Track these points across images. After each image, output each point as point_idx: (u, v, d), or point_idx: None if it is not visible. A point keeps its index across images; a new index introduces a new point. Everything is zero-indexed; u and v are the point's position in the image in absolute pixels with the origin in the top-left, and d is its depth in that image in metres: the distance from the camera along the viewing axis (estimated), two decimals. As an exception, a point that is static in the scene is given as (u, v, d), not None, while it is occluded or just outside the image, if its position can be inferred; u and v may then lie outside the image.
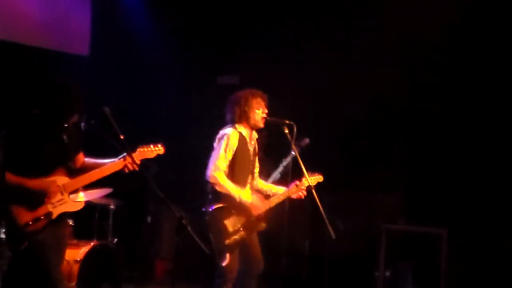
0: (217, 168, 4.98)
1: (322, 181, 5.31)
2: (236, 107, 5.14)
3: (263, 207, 5.11)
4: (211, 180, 4.98)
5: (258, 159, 5.35)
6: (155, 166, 6.75)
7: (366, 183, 7.55)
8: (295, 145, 5.25)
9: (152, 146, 4.68)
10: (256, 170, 5.34)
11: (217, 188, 4.97)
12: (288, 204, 5.19)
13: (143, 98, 8.34)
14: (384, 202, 7.61)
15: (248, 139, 5.19)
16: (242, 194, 4.99)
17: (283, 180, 5.38)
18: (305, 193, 5.24)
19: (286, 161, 6.04)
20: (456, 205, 7.09)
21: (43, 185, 4.23)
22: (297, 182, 5.22)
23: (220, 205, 5.01)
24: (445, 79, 7.26)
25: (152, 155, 4.68)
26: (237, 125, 5.14)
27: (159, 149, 4.71)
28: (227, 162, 5.02)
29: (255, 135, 5.28)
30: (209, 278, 5.22)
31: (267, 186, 5.39)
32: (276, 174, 6.22)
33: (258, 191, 5.28)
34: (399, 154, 7.55)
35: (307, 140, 5.96)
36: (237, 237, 4.95)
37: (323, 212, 4.99)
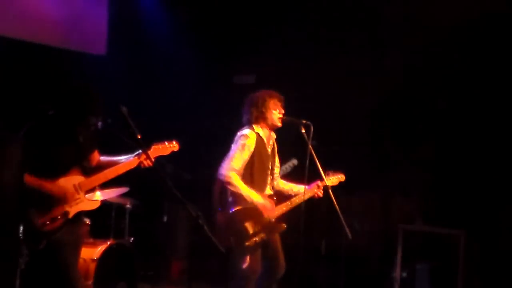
0: (231, 168, 5.00)
1: (344, 180, 5.35)
2: (253, 108, 5.18)
3: (279, 210, 5.13)
4: (224, 179, 5.00)
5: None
6: (171, 166, 6.79)
7: (383, 183, 7.54)
8: (284, 166, 5.40)
9: (166, 143, 4.71)
10: (277, 170, 5.36)
11: (230, 187, 4.99)
12: (305, 203, 5.21)
13: (159, 96, 8.35)
14: (401, 202, 7.60)
15: (265, 140, 5.22)
16: (254, 195, 4.99)
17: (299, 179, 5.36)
18: (322, 192, 5.25)
19: (290, 162, 6.04)
20: (474, 206, 7.04)
21: (61, 190, 4.28)
22: (319, 182, 5.24)
23: (240, 207, 5.03)
24: (470, 77, 7.20)
25: (166, 152, 4.73)
26: (254, 126, 5.17)
27: (174, 146, 4.76)
28: (243, 163, 5.04)
29: (273, 135, 5.30)
30: (224, 278, 5.28)
31: (288, 185, 5.39)
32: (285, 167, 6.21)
33: (279, 191, 5.31)
34: (417, 154, 7.51)
35: (295, 161, 5.97)
36: (257, 239, 4.97)
37: (339, 212, 5.02)
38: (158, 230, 7.81)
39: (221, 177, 5.01)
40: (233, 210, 5.03)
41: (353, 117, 7.64)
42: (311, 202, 5.30)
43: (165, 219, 7.69)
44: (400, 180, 7.50)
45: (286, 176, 5.57)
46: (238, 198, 5.01)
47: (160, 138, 4.77)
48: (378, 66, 7.59)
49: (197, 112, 8.48)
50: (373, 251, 7.48)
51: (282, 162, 5.54)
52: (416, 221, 7.27)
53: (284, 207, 5.19)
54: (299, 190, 5.29)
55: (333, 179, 5.31)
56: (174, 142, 4.75)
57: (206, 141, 8.02)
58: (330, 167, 5.32)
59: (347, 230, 5.01)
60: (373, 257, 7.49)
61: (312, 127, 5.08)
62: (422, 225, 7.20)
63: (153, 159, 4.32)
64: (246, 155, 5.05)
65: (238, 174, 5.00)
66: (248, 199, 4.98)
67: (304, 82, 7.88)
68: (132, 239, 6.56)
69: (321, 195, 5.26)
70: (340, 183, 5.40)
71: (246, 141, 5.07)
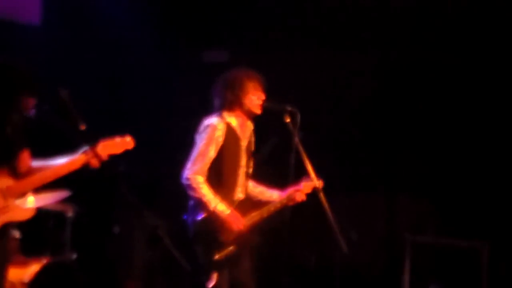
0: (192, 169, 5.06)
1: (323, 185, 5.31)
2: (227, 91, 5.20)
3: (249, 220, 5.14)
4: (185, 182, 5.06)
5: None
6: (124, 165, 6.74)
7: (386, 183, 7.64)
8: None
9: (118, 138, 4.63)
10: (251, 169, 5.41)
11: (190, 192, 5.04)
12: (290, 208, 5.25)
13: (109, 79, 8.34)
14: (409, 207, 7.66)
15: (239, 131, 5.24)
16: (216, 203, 5.02)
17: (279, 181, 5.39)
18: (304, 195, 5.31)
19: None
20: (499, 212, 7.14)
21: None
22: (298, 187, 5.29)
23: (208, 214, 5.06)
24: (484, 73, 7.44)
25: (118, 150, 4.62)
26: (225, 114, 5.19)
27: (128, 143, 4.66)
28: (208, 160, 5.08)
29: (250, 126, 5.34)
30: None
31: (257, 189, 5.45)
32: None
33: (249, 195, 5.36)
34: (428, 149, 7.60)
35: (275, 140, 5.97)
36: (228, 251, 5.03)
37: (332, 220, 5.03)
38: (107, 244, 7.78)
39: (181, 180, 5.09)
40: (201, 217, 5.06)
41: (349, 104, 7.75)
42: (297, 207, 5.31)
43: (116, 230, 7.68)
44: (407, 180, 7.57)
45: (268, 163, 5.63)
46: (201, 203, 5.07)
47: (111, 132, 4.67)
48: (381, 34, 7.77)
49: (156, 97, 8.46)
50: (374, 268, 7.55)
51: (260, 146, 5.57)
52: (428, 230, 7.33)
53: (256, 217, 5.20)
54: (271, 196, 5.37)
55: (307, 185, 5.31)
56: (128, 138, 4.66)
57: (169, 133, 8.01)
58: (317, 165, 5.30)
59: (342, 241, 5.03)
60: (374, 276, 7.56)
61: (299, 115, 5.12)
62: (435, 235, 7.25)
63: (103, 158, 4.33)
64: (212, 151, 5.09)
65: (201, 175, 5.06)
66: (207, 206, 5.00)
67: (289, 62, 7.92)
68: (74, 255, 6.52)
69: (301, 200, 5.30)
70: (333, 183, 5.44)
71: (212, 132, 5.10)
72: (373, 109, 7.83)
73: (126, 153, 4.67)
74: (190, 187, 5.03)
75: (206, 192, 5.02)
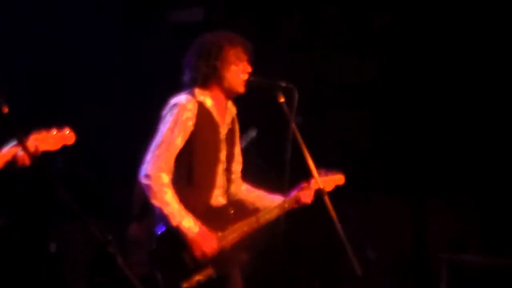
0: (157, 163, 5.03)
1: (343, 184, 5.39)
2: (201, 60, 5.17)
3: (232, 233, 5.15)
4: (143, 182, 5.02)
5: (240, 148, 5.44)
6: (62, 162, 6.74)
7: (414, 188, 7.67)
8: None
9: (55, 131, 4.59)
10: (236, 167, 5.44)
11: (149, 196, 4.99)
12: (286, 218, 5.20)
13: (46, 50, 8.25)
14: (443, 216, 7.72)
15: (215, 115, 5.22)
16: (185, 218, 4.97)
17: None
18: (311, 198, 5.31)
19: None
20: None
21: None
22: (303, 186, 5.31)
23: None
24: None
25: (55, 145, 4.60)
26: (197, 91, 5.17)
27: (67, 136, 4.64)
28: (175, 151, 5.07)
29: (231, 109, 5.36)
30: None
31: (253, 194, 5.48)
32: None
33: (239, 202, 5.41)
34: (467, 146, 7.68)
35: (253, 133, 6.01)
36: (201, 277, 4.98)
37: (342, 234, 5.01)
38: (41, 265, 7.72)
39: (140, 180, 5.05)
40: (162, 231, 5.03)
41: (357, 81, 7.89)
42: (296, 216, 5.31)
43: (52, 248, 7.66)
44: (440, 183, 7.62)
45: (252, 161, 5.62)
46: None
47: (45, 119, 4.64)
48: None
49: (110, 71, 8.43)
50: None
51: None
52: (469, 247, 7.37)
53: (242, 230, 5.19)
54: (271, 202, 5.35)
55: (327, 182, 5.34)
56: (66, 130, 4.62)
57: (125, 118, 8.04)
58: (327, 162, 5.31)
59: (355, 262, 5.00)
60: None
61: (296, 94, 5.08)
62: (478, 253, 7.31)
63: (35, 153, 4.33)
64: (179, 139, 5.06)
65: (166, 172, 5.03)
66: (169, 221, 4.95)
67: (285, 25, 7.97)
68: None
69: (309, 201, 5.31)
70: (338, 187, 5.43)
71: (179, 114, 5.06)
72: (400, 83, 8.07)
73: (66, 148, 4.64)
74: (149, 189, 4.98)
75: (169, 200, 4.97)
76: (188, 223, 4.95)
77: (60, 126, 4.65)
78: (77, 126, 4.70)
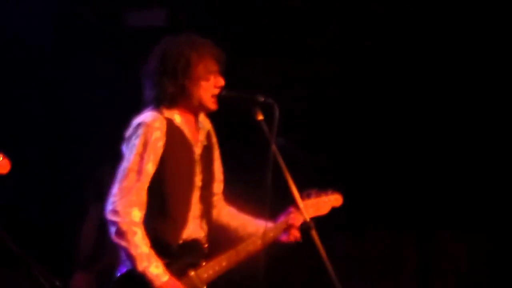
0: (125, 198, 4.80)
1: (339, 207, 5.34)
2: (166, 79, 4.99)
3: (207, 271, 4.97)
4: (110, 218, 4.79)
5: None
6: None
7: (418, 215, 7.70)
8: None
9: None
10: (218, 187, 5.29)
11: (116, 238, 4.77)
12: (267, 254, 4.99)
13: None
14: (449, 251, 7.66)
15: (187, 132, 5.04)
16: (154, 264, 4.76)
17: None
18: (298, 234, 5.15)
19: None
20: None
21: None
22: (290, 211, 5.15)
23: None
24: None
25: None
26: (163, 108, 4.97)
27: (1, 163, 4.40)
28: (147, 180, 4.84)
29: (205, 123, 5.19)
30: None
31: (236, 222, 5.32)
32: None
33: (221, 228, 5.28)
34: (478, 165, 7.73)
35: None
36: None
37: (333, 274, 4.72)
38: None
39: (106, 216, 4.85)
40: (123, 272, 4.85)
41: (355, 95, 8.05)
42: (279, 251, 5.19)
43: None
44: (449, 210, 7.57)
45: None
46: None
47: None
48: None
49: (56, 85, 8.35)
50: None
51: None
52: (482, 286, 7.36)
53: (219, 265, 5.02)
54: (256, 231, 5.15)
55: (321, 205, 5.25)
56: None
57: (76, 141, 7.87)
58: (312, 183, 5.21)
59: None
60: None
61: (277, 110, 4.83)
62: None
63: None
64: (150, 165, 4.85)
65: (138, 206, 4.81)
66: (135, 265, 4.74)
67: (261, 27, 8.00)
68: None
69: (297, 238, 5.16)
70: (338, 214, 5.26)
71: (148, 135, 4.85)
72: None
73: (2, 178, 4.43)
74: (116, 227, 4.77)
75: (138, 242, 4.77)
76: (156, 270, 4.79)
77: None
78: (20, 151, 4.71)
